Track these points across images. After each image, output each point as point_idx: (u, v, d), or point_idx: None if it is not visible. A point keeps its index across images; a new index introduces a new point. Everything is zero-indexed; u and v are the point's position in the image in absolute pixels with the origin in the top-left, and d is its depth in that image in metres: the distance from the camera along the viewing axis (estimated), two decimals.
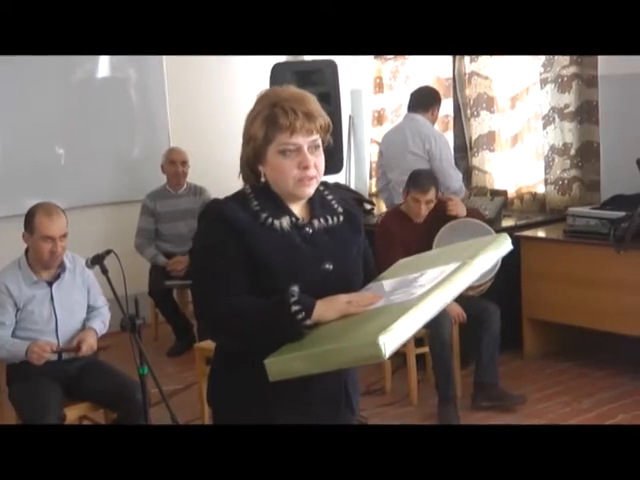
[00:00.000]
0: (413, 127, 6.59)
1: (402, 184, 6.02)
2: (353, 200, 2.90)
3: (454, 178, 6.55)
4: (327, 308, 2.43)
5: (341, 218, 2.69)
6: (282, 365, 2.37)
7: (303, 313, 2.39)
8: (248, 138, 2.59)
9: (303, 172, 2.55)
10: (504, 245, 2.63)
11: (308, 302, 2.42)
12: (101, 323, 4.84)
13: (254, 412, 2.59)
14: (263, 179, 2.61)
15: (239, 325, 2.47)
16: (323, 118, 2.59)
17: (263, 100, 2.60)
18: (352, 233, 2.72)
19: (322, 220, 2.64)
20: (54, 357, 4.67)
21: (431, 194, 5.68)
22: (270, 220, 2.56)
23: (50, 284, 4.69)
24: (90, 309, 4.86)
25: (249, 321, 2.45)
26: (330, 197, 2.72)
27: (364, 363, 2.32)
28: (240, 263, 2.50)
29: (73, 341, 4.69)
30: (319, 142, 2.59)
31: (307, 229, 2.61)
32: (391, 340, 2.22)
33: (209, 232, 2.56)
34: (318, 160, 2.58)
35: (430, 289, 2.37)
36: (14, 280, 4.63)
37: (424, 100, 6.72)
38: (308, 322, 2.39)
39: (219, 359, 2.71)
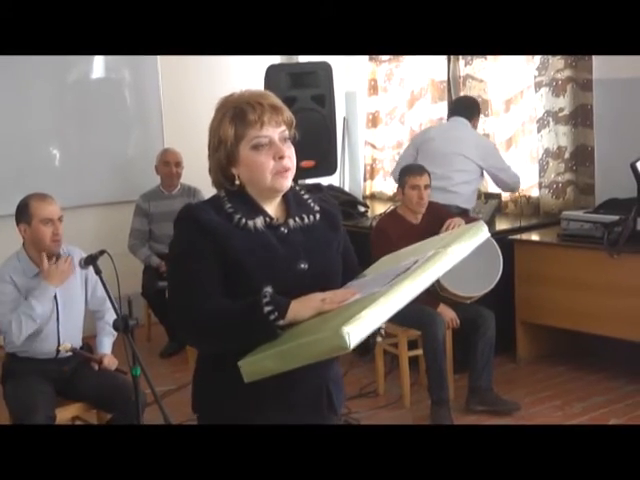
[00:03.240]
0: (470, 132, 6.72)
1: (443, 179, 6.18)
2: (333, 199, 2.91)
3: (515, 176, 6.75)
4: (302, 307, 2.42)
5: (318, 216, 2.69)
6: (254, 365, 2.38)
7: (276, 313, 2.38)
8: (218, 143, 2.59)
9: (279, 163, 2.56)
10: (481, 233, 2.62)
11: (282, 302, 2.40)
12: (111, 339, 4.90)
13: (235, 415, 2.59)
14: (237, 182, 2.60)
15: (213, 329, 2.47)
16: (288, 111, 2.62)
17: (224, 106, 2.62)
18: (330, 231, 2.72)
19: (298, 219, 2.64)
20: (51, 355, 4.68)
21: (427, 178, 5.73)
22: (243, 221, 2.56)
23: None
24: (95, 304, 4.88)
25: (223, 324, 2.45)
26: (306, 196, 2.73)
27: (331, 355, 2.30)
28: (214, 265, 2.51)
29: (96, 356, 4.82)
30: (287, 134, 2.60)
31: (282, 229, 2.61)
32: (356, 330, 2.20)
33: (183, 236, 2.56)
34: (290, 152, 2.59)
35: (401, 279, 2.37)
36: (15, 272, 4.63)
37: (469, 109, 6.83)
38: (281, 322, 2.38)
39: (201, 366, 2.72)
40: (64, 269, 4.62)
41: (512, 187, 6.82)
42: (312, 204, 2.71)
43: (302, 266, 2.58)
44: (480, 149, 6.62)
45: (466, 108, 6.82)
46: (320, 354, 2.29)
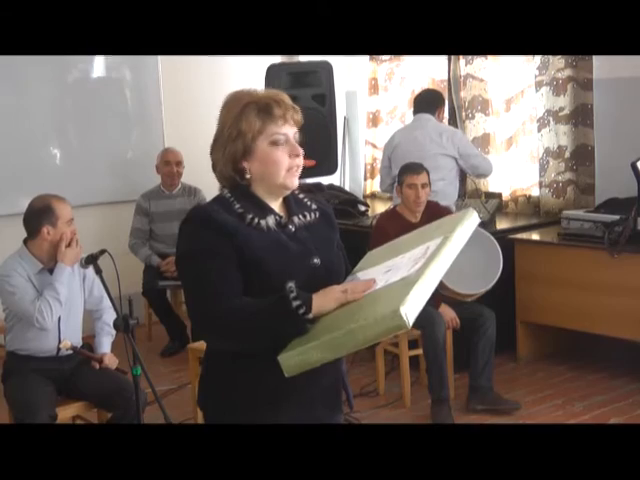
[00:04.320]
0: (433, 126, 6.64)
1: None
2: (324, 200, 2.96)
3: (486, 161, 6.72)
4: (325, 299, 2.46)
5: (317, 214, 2.75)
6: (298, 358, 2.40)
7: (304, 307, 2.42)
8: (236, 134, 2.60)
9: (293, 161, 2.62)
10: (472, 218, 2.77)
11: (306, 296, 2.44)
12: (110, 339, 4.92)
13: (257, 413, 2.60)
14: (248, 175, 2.62)
15: (243, 327, 2.48)
16: (300, 113, 2.68)
17: (240, 99, 2.64)
18: (329, 229, 2.79)
19: (301, 217, 2.70)
20: (52, 353, 4.69)
21: (424, 177, 5.72)
22: (256, 220, 2.60)
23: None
24: (91, 303, 4.90)
25: (252, 322, 2.46)
26: (302, 196, 2.78)
27: (385, 337, 2.38)
28: (234, 265, 2.53)
29: (96, 355, 4.83)
30: (298, 135, 2.66)
31: (290, 227, 2.66)
32: (411, 309, 2.29)
33: (198, 237, 2.56)
34: (301, 152, 2.65)
35: (425, 263, 2.47)
36: (20, 269, 4.64)
37: (431, 102, 6.79)
38: (310, 316, 2.42)
39: (213, 363, 2.71)
40: (77, 251, 4.67)
41: (485, 172, 6.76)
42: (309, 203, 2.77)
43: (315, 261, 2.63)
44: (448, 135, 6.56)
45: (428, 102, 6.77)
46: (374, 337, 2.34)
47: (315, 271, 2.62)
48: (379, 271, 2.64)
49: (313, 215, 2.73)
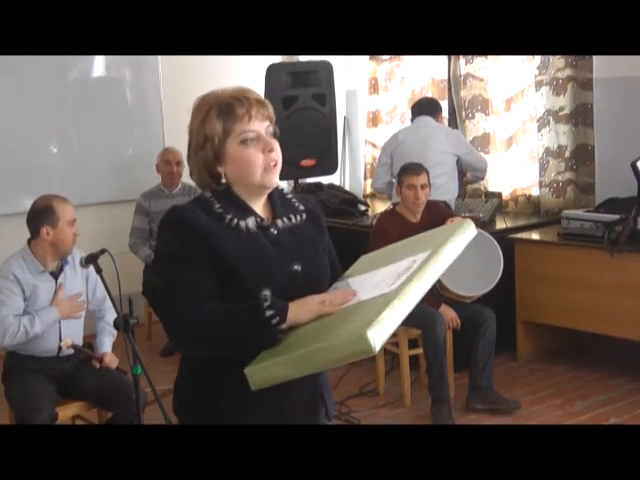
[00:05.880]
0: (435, 126, 6.78)
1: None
2: (315, 200, 2.86)
3: (482, 160, 6.95)
4: (300, 310, 2.38)
5: (304, 216, 2.65)
6: (264, 372, 2.31)
7: (277, 318, 2.33)
8: (203, 140, 2.53)
9: (268, 156, 2.51)
10: (469, 230, 2.61)
11: (281, 306, 2.36)
12: (112, 339, 4.93)
13: (221, 420, 2.53)
14: (224, 180, 2.55)
15: (214, 335, 2.40)
16: (271, 106, 2.58)
17: (205, 104, 2.59)
18: (316, 232, 2.68)
19: (285, 219, 2.60)
20: (53, 353, 4.69)
21: (424, 178, 5.73)
22: (235, 221, 2.50)
23: (55, 276, 4.71)
24: (94, 304, 4.91)
25: (223, 330, 2.38)
26: (290, 196, 2.69)
27: (353, 359, 2.25)
28: (207, 268, 2.44)
29: (97, 355, 4.84)
30: (272, 130, 2.57)
31: (272, 230, 2.56)
32: (379, 333, 2.17)
33: (173, 238, 2.48)
34: (277, 146, 2.55)
35: (408, 279, 2.33)
36: (19, 270, 4.64)
37: (430, 109, 6.92)
38: (283, 326, 2.34)
39: (187, 369, 2.65)
40: (75, 306, 4.67)
41: (483, 170, 6.92)
42: (297, 204, 2.67)
43: (295, 268, 2.53)
44: (451, 137, 6.74)
45: (427, 107, 6.94)
46: (341, 359, 2.24)
47: (295, 278, 2.52)
48: (365, 280, 2.54)
49: (299, 217, 2.62)
